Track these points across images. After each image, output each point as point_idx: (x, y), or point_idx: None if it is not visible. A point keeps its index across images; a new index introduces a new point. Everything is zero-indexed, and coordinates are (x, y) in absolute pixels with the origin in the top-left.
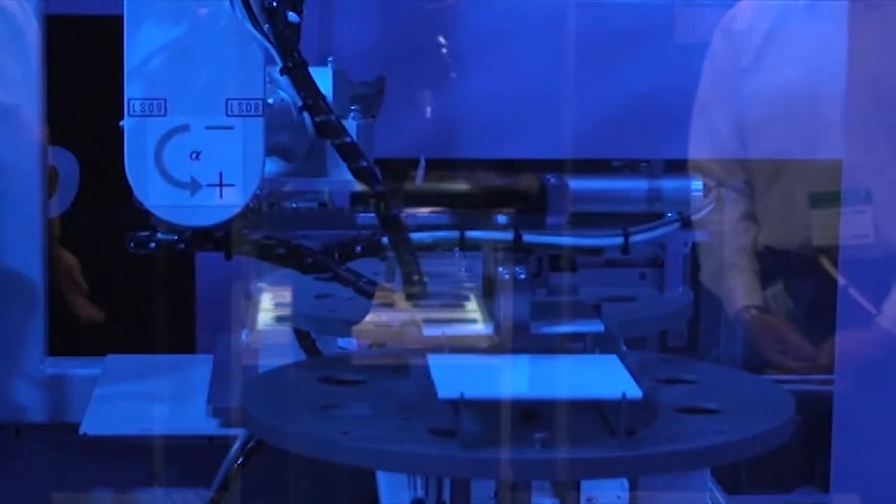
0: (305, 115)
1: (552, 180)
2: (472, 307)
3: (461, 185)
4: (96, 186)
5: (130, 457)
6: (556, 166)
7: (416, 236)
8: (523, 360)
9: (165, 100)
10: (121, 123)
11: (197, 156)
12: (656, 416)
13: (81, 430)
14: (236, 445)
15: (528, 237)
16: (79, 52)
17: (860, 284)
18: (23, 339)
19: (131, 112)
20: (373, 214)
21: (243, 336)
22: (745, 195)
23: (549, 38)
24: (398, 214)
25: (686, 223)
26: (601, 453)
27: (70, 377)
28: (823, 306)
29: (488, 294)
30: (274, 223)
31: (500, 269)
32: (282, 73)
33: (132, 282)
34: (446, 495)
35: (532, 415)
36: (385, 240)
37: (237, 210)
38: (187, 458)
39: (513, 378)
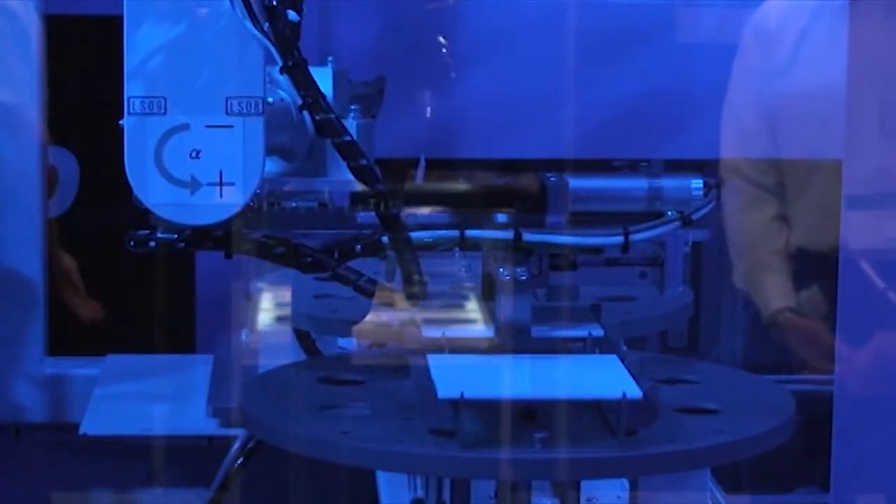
0: (305, 114)
1: (552, 179)
2: (473, 307)
3: (461, 185)
4: (96, 186)
5: (130, 457)
6: (557, 166)
7: (416, 235)
8: (523, 361)
9: (165, 98)
10: (121, 122)
11: (197, 154)
12: (656, 416)
13: (81, 430)
14: (236, 445)
15: (528, 236)
16: (79, 52)
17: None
18: (23, 339)
19: (131, 111)
20: (373, 214)
21: (243, 336)
22: (778, 196)
23: (549, 38)
24: (398, 214)
25: (686, 222)
26: (601, 453)
27: (70, 377)
28: None
29: (488, 294)
30: (274, 222)
31: (501, 269)
32: (282, 72)
33: (132, 282)
34: (446, 495)
35: (532, 415)
36: (385, 239)
37: (237, 209)
38: (187, 458)
39: (513, 378)
